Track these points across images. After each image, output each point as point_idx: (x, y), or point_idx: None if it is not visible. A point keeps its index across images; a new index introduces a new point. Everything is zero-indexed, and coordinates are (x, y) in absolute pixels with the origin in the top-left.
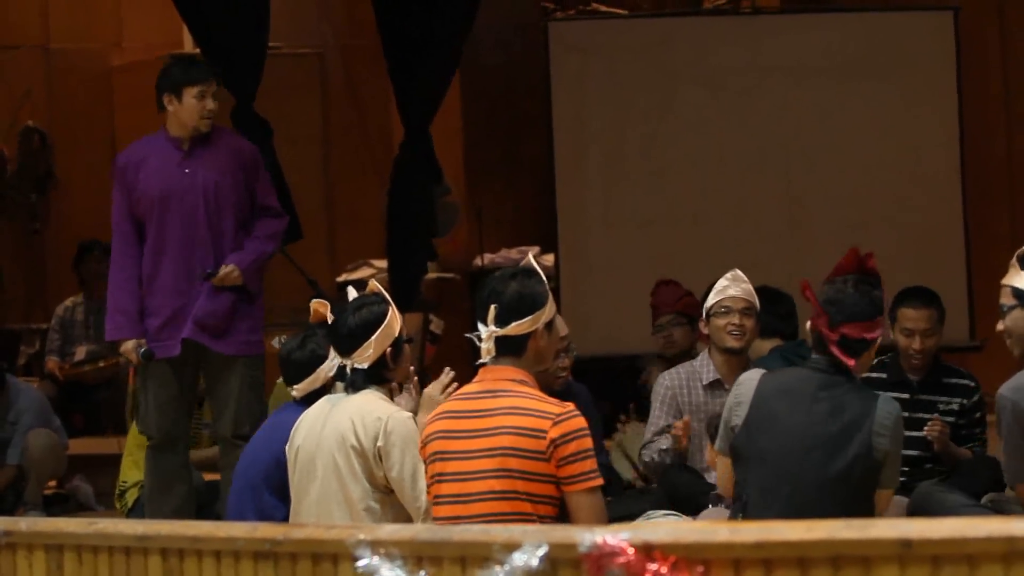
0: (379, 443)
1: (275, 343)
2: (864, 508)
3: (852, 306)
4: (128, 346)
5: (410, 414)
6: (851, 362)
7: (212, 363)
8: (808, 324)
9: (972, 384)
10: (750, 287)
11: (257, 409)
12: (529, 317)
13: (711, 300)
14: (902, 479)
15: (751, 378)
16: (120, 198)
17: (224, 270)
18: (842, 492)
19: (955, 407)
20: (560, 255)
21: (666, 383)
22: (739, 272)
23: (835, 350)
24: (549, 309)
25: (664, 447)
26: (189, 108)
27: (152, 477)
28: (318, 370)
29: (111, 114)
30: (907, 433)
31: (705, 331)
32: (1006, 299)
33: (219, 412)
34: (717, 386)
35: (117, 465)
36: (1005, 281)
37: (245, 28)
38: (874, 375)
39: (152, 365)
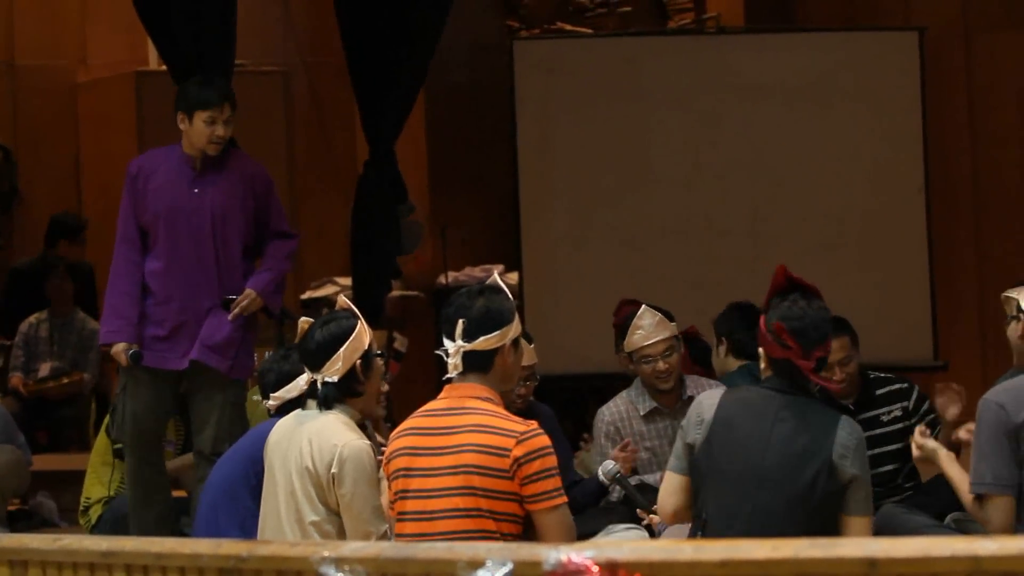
0: (333, 470)
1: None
2: (830, 529)
3: (818, 330)
4: (119, 347)
5: (368, 443)
6: (832, 386)
7: (198, 377)
8: (762, 351)
9: (905, 386)
10: (664, 320)
11: (239, 429)
12: (497, 332)
13: (632, 346)
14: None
15: (712, 396)
16: (128, 204)
17: (245, 298)
18: (803, 513)
19: (898, 413)
20: (524, 274)
21: (606, 418)
22: (650, 310)
23: (814, 378)
24: (516, 326)
25: (611, 466)
26: (198, 131)
27: (135, 488)
28: (295, 380)
29: (75, 131)
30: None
31: (629, 368)
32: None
33: (200, 427)
34: (655, 414)
35: (81, 482)
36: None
37: (211, 45)
38: None
39: (137, 372)
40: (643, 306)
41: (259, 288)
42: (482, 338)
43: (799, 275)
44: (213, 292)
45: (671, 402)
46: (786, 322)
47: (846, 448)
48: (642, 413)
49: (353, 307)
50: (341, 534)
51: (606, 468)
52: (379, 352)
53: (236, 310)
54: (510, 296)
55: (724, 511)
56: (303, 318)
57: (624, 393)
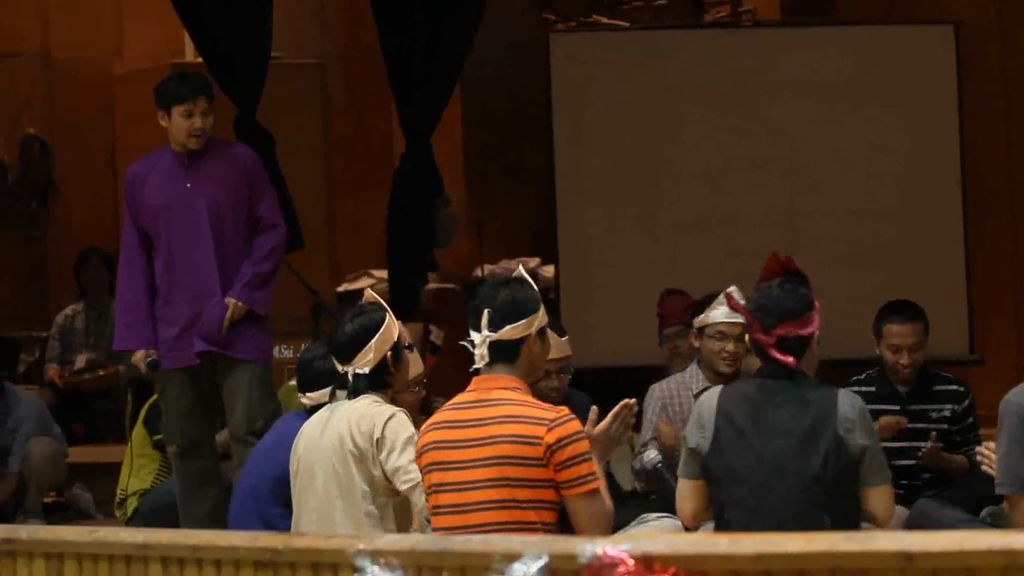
0: (376, 436)
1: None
2: (848, 508)
3: (781, 306)
4: (137, 356)
5: (405, 410)
6: (791, 360)
7: (223, 365)
8: (747, 338)
9: (961, 389)
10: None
11: (269, 406)
12: (523, 321)
13: (707, 319)
14: (899, 491)
15: (710, 397)
16: (128, 211)
17: (228, 312)
18: (821, 493)
19: (947, 414)
20: (560, 266)
21: (656, 394)
22: (738, 292)
23: (775, 353)
24: (541, 315)
25: (653, 455)
26: (177, 126)
27: (181, 484)
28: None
29: (111, 123)
30: (902, 444)
31: (696, 343)
32: None
33: (231, 410)
34: None
35: (117, 473)
36: None
37: (248, 38)
38: (863, 389)
39: (169, 374)
40: (733, 287)
41: (236, 296)
42: (508, 327)
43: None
44: (215, 282)
45: None
46: (751, 302)
47: (850, 421)
48: (693, 392)
49: (381, 300)
50: (389, 515)
51: (647, 457)
52: (408, 344)
53: (225, 323)
54: (534, 286)
55: (744, 508)
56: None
57: (679, 374)
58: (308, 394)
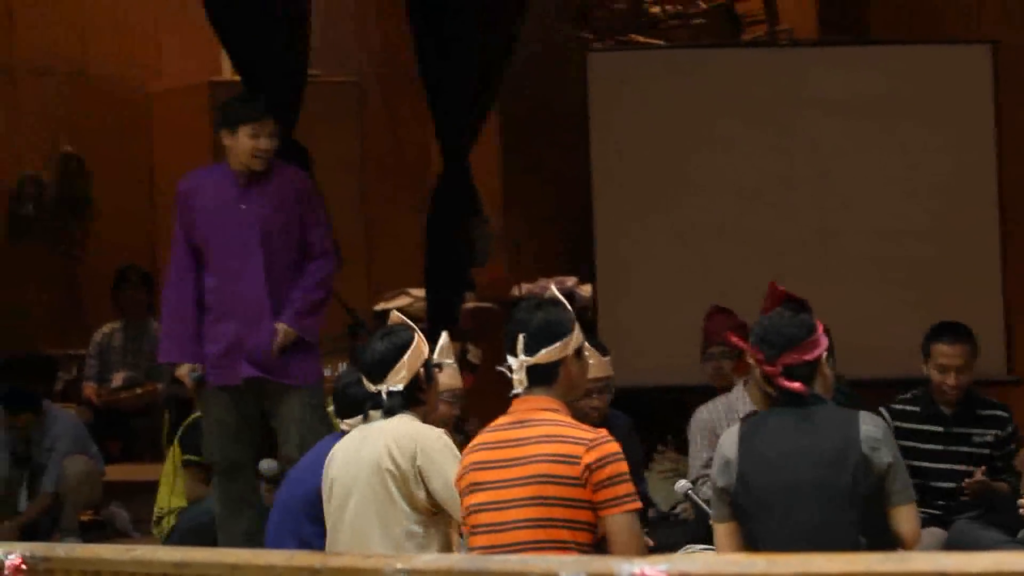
0: (417, 462)
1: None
2: (882, 526)
3: (781, 335)
4: (182, 370)
5: (442, 430)
6: (798, 386)
7: (272, 391)
8: (755, 373)
9: (1005, 415)
10: None
11: (322, 431)
12: (558, 343)
13: None
14: (937, 512)
15: (730, 435)
16: (178, 224)
17: (278, 338)
18: (855, 515)
19: (989, 439)
20: (598, 286)
21: (703, 416)
22: None
23: (783, 383)
24: (577, 335)
25: (681, 483)
26: (243, 146)
27: (221, 504)
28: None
29: (149, 140)
30: (942, 466)
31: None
32: None
33: (285, 437)
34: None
35: (153, 492)
36: None
37: (285, 56)
38: (907, 408)
39: (212, 393)
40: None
41: (286, 321)
42: (543, 351)
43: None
44: (265, 305)
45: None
46: (752, 335)
47: (875, 440)
48: (741, 416)
49: (408, 321)
50: (433, 532)
51: (678, 485)
52: (436, 364)
53: (275, 348)
54: (568, 307)
55: (778, 540)
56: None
57: (723, 396)
58: (346, 420)
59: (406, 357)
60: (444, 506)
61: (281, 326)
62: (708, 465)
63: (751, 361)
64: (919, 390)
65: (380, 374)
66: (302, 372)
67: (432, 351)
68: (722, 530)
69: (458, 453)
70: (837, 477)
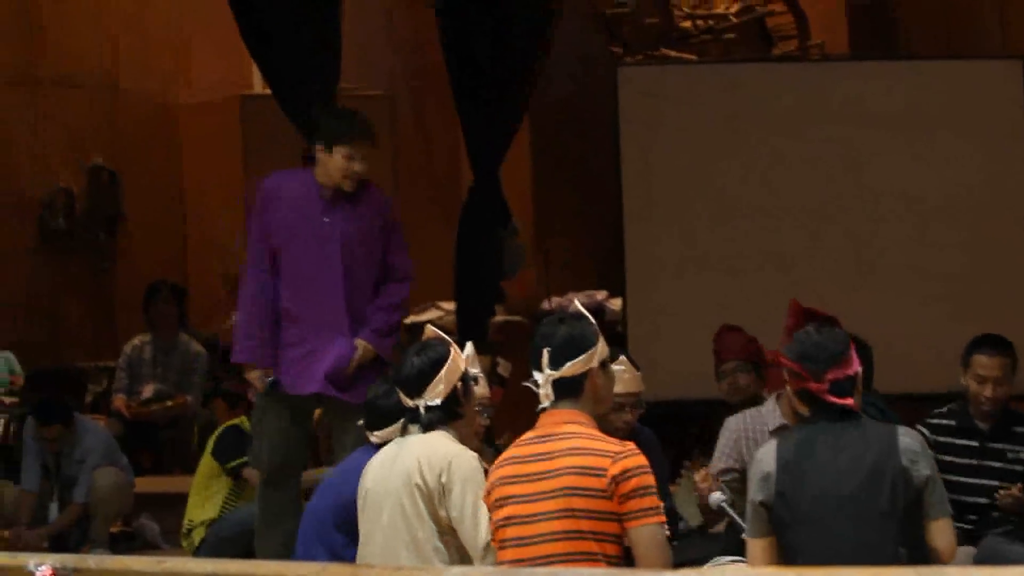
0: (443, 480)
1: None
2: (920, 539)
3: (824, 351)
4: (254, 374)
5: (475, 454)
6: (851, 402)
7: (337, 409)
8: (788, 390)
9: None
10: None
11: None
12: (582, 357)
13: None
14: (969, 527)
15: (767, 450)
16: (257, 226)
17: (357, 354)
18: (894, 528)
19: None
20: (628, 299)
21: (732, 427)
22: None
23: (832, 399)
24: (601, 348)
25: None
26: (336, 164)
27: (262, 512)
28: (399, 422)
29: (179, 154)
30: (975, 481)
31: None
32: None
33: (339, 453)
34: (783, 431)
35: (183, 504)
36: None
37: (315, 69)
38: (943, 422)
39: (273, 399)
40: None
41: (368, 339)
42: (568, 364)
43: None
44: (343, 320)
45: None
46: (791, 352)
47: (914, 453)
48: (770, 428)
49: (443, 335)
50: (454, 550)
51: (712, 498)
52: (473, 377)
53: (353, 364)
54: (592, 321)
55: (816, 553)
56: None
57: (753, 409)
58: (375, 433)
59: (443, 371)
60: (456, 528)
61: (361, 343)
62: (723, 473)
63: (788, 378)
64: (955, 404)
65: (417, 389)
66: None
67: None
68: (759, 546)
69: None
70: (877, 491)
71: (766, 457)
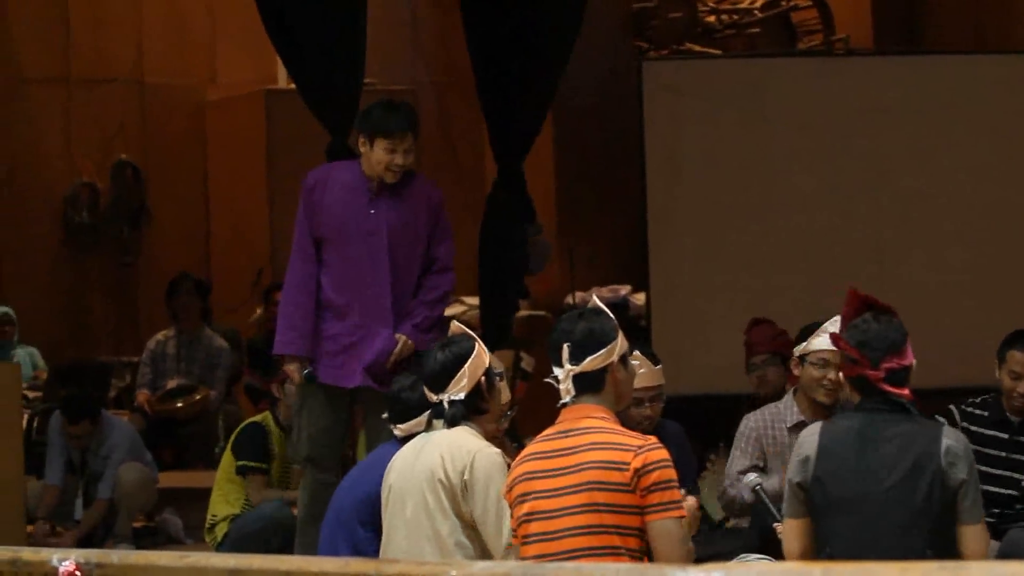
0: (465, 476)
1: None
2: (950, 541)
3: (884, 339)
4: (292, 365)
5: (499, 451)
6: (907, 392)
7: (372, 400)
8: (841, 375)
9: None
10: None
11: None
12: (602, 351)
13: (810, 346)
14: (991, 520)
15: (811, 432)
16: (303, 217)
17: (398, 348)
18: (926, 527)
19: None
20: (651, 294)
21: (750, 424)
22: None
23: (887, 388)
24: (621, 343)
25: (752, 476)
26: (377, 157)
27: (305, 504)
28: (421, 416)
29: (204, 149)
30: (1002, 472)
31: (796, 372)
32: None
33: (372, 446)
34: (802, 428)
35: (206, 499)
36: None
37: (341, 65)
38: (977, 411)
39: (313, 391)
40: (836, 318)
41: (408, 334)
42: (588, 359)
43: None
44: (387, 313)
45: (822, 418)
46: (851, 338)
47: (955, 455)
48: (788, 425)
49: (468, 331)
50: (478, 546)
51: (748, 479)
52: (498, 372)
53: (393, 358)
54: (611, 316)
55: (848, 541)
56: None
57: (774, 404)
58: (399, 425)
59: (467, 366)
60: (478, 527)
61: (402, 337)
62: (745, 472)
63: (843, 364)
64: (991, 396)
65: (441, 383)
66: None
67: None
68: (794, 527)
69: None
70: (913, 488)
71: (808, 441)
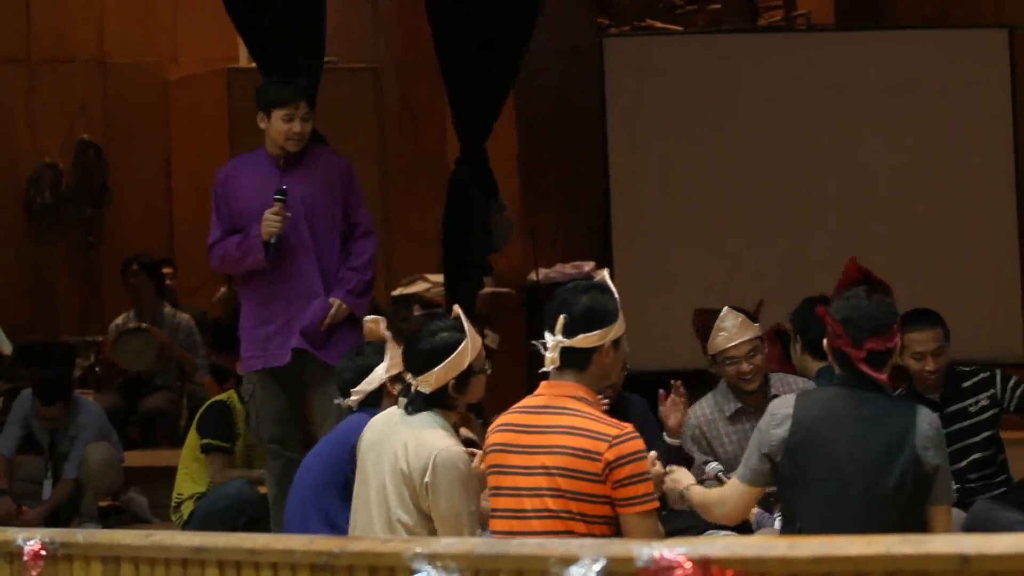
0: (427, 479)
1: None
2: (919, 523)
3: (871, 320)
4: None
5: (463, 449)
6: (884, 377)
7: (315, 372)
8: (825, 343)
9: (987, 374)
10: (747, 321)
11: None
12: (597, 331)
13: (714, 347)
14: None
15: (785, 403)
16: (218, 213)
17: (332, 310)
18: (897, 508)
19: (985, 402)
20: (614, 271)
21: (691, 421)
22: (732, 312)
23: (865, 368)
24: (619, 327)
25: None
26: (276, 128)
27: (272, 485)
28: (371, 375)
29: (167, 128)
30: (952, 447)
31: (714, 371)
32: None
33: (321, 421)
34: (741, 415)
35: (172, 478)
36: None
37: (300, 43)
38: None
39: (260, 376)
40: (725, 308)
41: (342, 298)
42: (581, 336)
43: (875, 269)
44: (315, 283)
45: (756, 402)
46: (838, 312)
47: (928, 439)
48: (727, 415)
49: (466, 320)
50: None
51: (709, 467)
52: (481, 370)
53: (328, 320)
54: (616, 297)
55: (819, 518)
56: (368, 317)
57: (709, 395)
58: (353, 390)
59: (441, 365)
60: (436, 527)
61: (336, 301)
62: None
63: (828, 335)
64: (903, 388)
65: (417, 368)
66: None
67: None
68: (742, 490)
69: (474, 482)
70: (886, 471)
71: (781, 412)
